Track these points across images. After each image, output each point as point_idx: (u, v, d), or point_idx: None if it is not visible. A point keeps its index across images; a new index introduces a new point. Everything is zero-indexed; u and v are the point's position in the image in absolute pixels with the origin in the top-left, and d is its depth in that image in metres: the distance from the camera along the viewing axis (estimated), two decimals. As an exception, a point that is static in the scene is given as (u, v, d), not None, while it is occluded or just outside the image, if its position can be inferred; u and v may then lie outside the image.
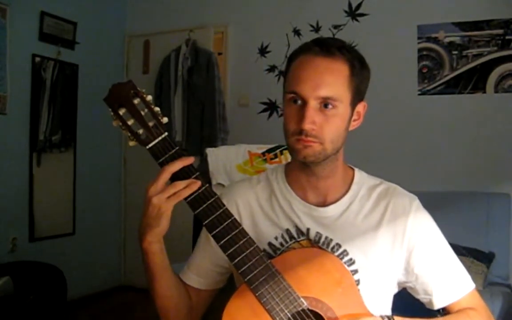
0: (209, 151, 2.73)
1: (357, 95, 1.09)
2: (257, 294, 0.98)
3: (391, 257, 1.10)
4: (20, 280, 2.87)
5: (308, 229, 1.11)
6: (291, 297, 0.98)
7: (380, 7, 3.52)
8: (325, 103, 1.04)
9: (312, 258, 1.05)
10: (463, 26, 3.30)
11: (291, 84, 1.07)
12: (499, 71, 3.21)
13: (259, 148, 2.69)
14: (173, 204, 0.99)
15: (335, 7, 3.65)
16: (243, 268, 0.99)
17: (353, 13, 3.62)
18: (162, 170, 0.99)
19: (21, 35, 3.54)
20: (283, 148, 2.62)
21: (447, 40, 3.35)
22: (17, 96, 3.53)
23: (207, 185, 1.02)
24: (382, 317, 1.01)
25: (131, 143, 1.04)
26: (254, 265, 0.99)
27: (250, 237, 1.01)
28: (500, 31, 3.21)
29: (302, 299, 0.98)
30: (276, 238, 1.12)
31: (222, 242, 1.00)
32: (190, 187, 0.99)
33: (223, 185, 2.52)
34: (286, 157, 2.56)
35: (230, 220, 1.01)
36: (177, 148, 1.02)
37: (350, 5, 3.63)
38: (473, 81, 3.27)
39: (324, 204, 1.13)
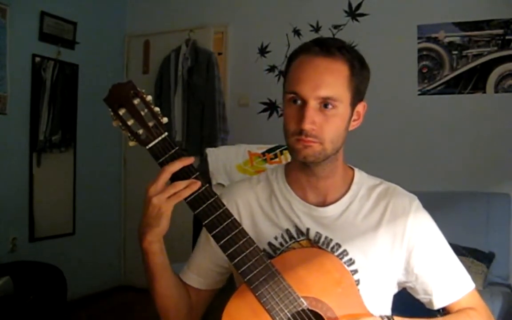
0: (209, 151, 2.73)
1: (357, 95, 1.09)
2: (257, 294, 0.98)
3: (391, 257, 1.10)
4: (20, 280, 2.87)
5: (308, 229, 1.11)
6: (291, 297, 0.98)
7: (380, 7, 3.52)
8: (325, 103, 1.04)
9: (312, 258, 1.05)
10: (463, 26, 3.30)
11: (291, 84, 1.07)
12: (499, 71, 3.21)
13: (259, 148, 2.69)
14: (173, 204, 0.99)
15: (335, 7, 3.65)
16: (243, 268, 0.99)
17: (353, 13, 3.62)
18: (162, 170, 0.99)
19: (21, 35, 3.54)
20: (283, 148, 2.62)
21: (447, 40, 3.35)
22: (17, 96, 3.53)
23: (207, 185, 1.02)
24: (381, 317, 1.01)
25: (131, 143, 1.04)
26: (254, 265, 0.99)
27: (250, 237, 1.01)
28: (500, 31, 3.21)
29: (302, 299, 0.98)
30: (276, 238, 1.12)
31: (222, 242, 1.00)
32: (190, 187, 0.99)
33: (223, 185, 2.52)
34: (286, 157, 2.56)
35: (230, 220, 1.01)
36: (177, 148, 1.02)
37: (350, 5, 3.63)
38: (473, 81, 3.27)
39: (324, 204, 1.13)
